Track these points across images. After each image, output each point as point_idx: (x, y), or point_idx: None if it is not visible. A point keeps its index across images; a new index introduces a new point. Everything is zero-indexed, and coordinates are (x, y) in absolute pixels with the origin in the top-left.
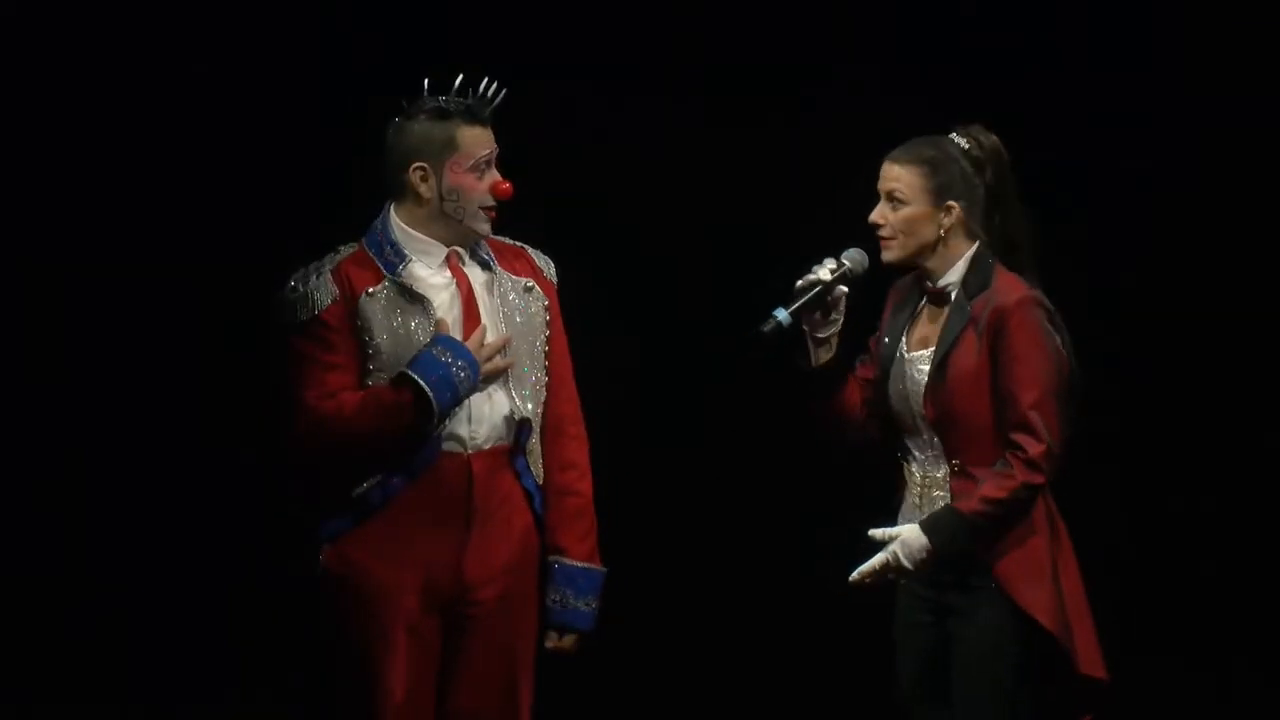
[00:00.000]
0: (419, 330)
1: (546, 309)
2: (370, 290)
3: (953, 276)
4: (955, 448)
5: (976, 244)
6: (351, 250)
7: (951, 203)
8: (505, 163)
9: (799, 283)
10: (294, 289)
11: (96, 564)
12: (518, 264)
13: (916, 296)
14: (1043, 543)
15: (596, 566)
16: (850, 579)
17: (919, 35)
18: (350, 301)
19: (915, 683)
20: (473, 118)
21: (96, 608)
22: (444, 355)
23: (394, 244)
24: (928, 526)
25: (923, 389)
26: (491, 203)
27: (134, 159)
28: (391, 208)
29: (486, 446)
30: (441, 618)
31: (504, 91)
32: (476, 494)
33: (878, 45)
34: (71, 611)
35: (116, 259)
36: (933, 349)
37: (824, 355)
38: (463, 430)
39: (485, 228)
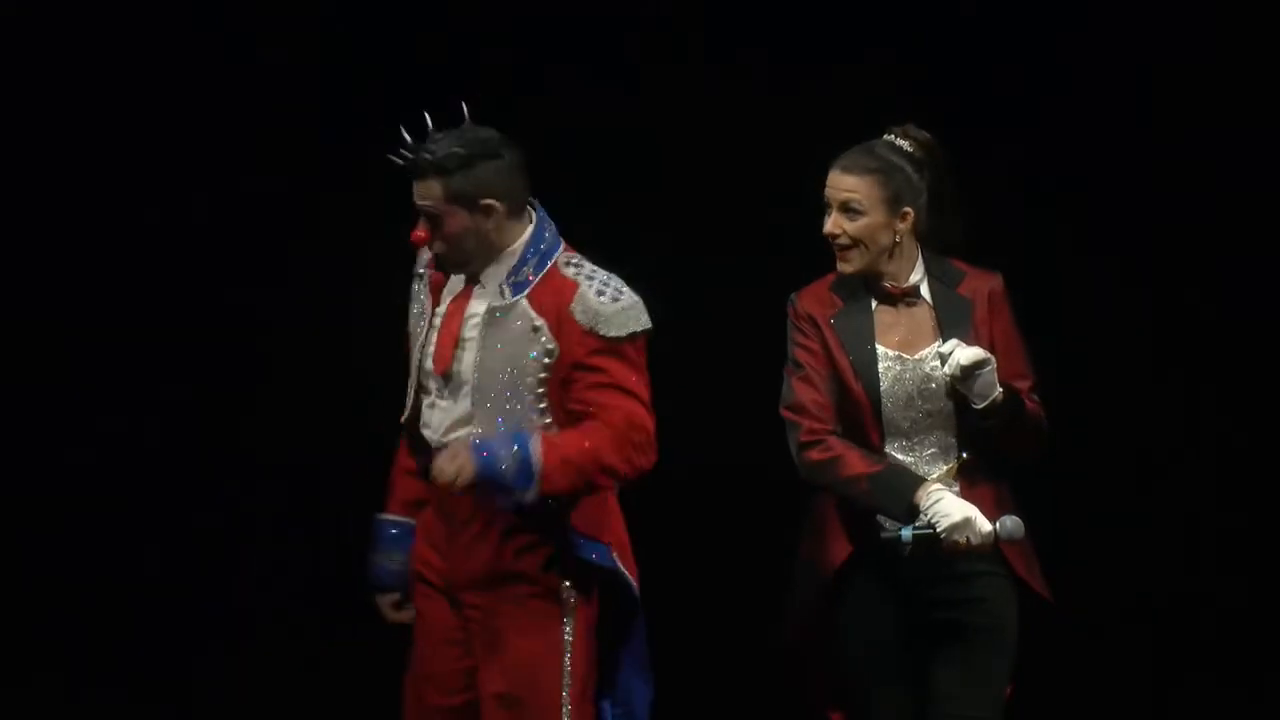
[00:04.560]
0: (420, 327)
1: (550, 354)
2: (420, 271)
3: (917, 275)
4: (967, 438)
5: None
6: None
7: (907, 209)
8: None
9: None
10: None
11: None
12: (549, 299)
13: (862, 301)
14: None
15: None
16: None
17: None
18: (418, 281)
19: (886, 664)
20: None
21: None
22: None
23: None
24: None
25: (945, 384)
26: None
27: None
28: None
29: None
30: (455, 609)
31: (432, 140)
32: (446, 501)
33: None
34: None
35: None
36: (938, 343)
37: None
38: (433, 440)
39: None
